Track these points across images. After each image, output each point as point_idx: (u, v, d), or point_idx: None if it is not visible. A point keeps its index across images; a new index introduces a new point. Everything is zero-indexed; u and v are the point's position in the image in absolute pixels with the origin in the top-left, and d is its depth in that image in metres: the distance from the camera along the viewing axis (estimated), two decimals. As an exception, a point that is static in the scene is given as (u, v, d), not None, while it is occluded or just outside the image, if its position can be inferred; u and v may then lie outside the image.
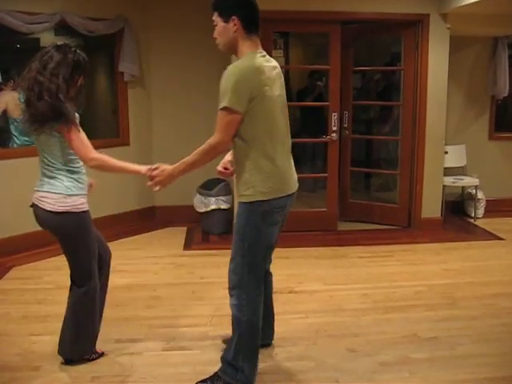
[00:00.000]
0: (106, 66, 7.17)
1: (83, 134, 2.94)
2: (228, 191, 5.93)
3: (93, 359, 3.21)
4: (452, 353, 3.33)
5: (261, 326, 2.95)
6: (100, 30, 5.67)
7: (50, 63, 2.85)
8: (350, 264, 5.01)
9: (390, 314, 3.91)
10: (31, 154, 5.40)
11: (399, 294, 4.27)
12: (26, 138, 5.62)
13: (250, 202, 2.77)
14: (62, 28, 5.72)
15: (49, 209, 2.93)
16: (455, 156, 6.66)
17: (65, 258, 5.16)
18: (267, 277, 3.21)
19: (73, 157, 2.98)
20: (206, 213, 5.89)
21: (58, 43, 2.96)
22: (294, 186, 2.94)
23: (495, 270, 4.84)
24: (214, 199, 5.84)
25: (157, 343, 3.45)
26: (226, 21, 2.74)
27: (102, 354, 3.28)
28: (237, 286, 2.92)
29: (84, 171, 3.08)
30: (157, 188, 2.98)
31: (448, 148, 6.44)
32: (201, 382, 2.98)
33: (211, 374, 2.99)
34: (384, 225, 6.24)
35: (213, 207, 5.83)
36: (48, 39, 6.66)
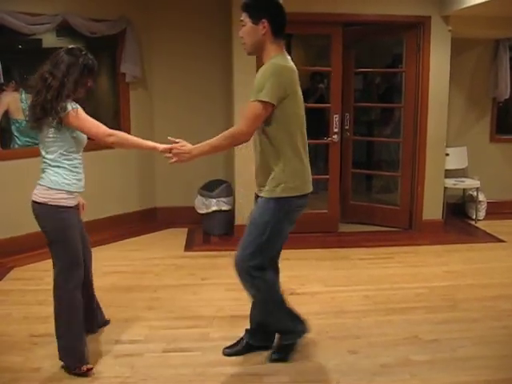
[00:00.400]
0: (107, 67, 7.16)
1: (89, 117, 3.00)
2: (229, 192, 5.94)
3: (77, 374, 3.04)
4: (453, 355, 3.33)
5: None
6: (102, 31, 5.66)
7: (59, 64, 2.94)
8: (351, 266, 5.01)
9: (390, 315, 3.90)
10: (32, 154, 5.42)
11: (400, 296, 4.27)
12: (28, 139, 5.63)
13: (279, 198, 2.92)
14: (64, 29, 5.73)
15: (33, 199, 3.03)
16: (456, 158, 6.66)
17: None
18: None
19: (65, 152, 3.01)
20: (207, 214, 5.88)
21: (70, 46, 3.05)
22: (311, 185, 3.08)
23: (496, 272, 4.83)
24: (215, 200, 5.84)
25: (157, 344, 3.45)
26: (256, 22, 2.87)
27: (87, 371, 3.06)
28: (255, 270, 3.04)
29: (78, 170, 3.10)
30: (173, 160, 3.07)
31: (449, 150, 6.44)
32: (274, 359, 3.22)
33: (277, 348, 3.28)
34: (385, 227, 6.24)
35: (214, 208, 5.83)
36: (50, 40, 6.67)
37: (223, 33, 6.00)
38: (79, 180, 3.10)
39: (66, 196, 3.02)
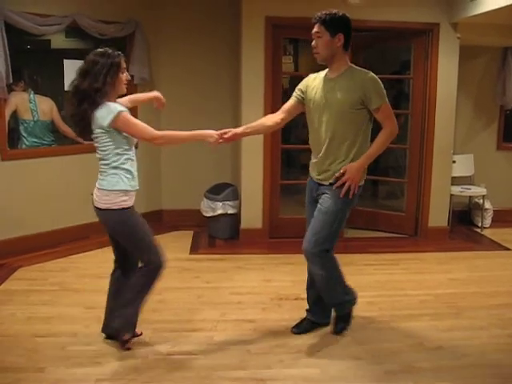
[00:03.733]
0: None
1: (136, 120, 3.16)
2: (235, 196, 5.94)
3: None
4: (457, 363, 3.31)
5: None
6: (111, 32, 5.68)
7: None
8: (356, 271, 4.99)
9: (395, 322, 3.89)
10: (40, 154, 5.49)
11: (405, 303, 4.26)
12: (35, 140, 5.65)
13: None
14: (73, 30, 5.75)
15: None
16: (463, 165, 6.64)
17: (71, 260, 5.21)
18: None
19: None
20: (213, 217, 5.89)
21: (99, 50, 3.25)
22: None
23: (501, 280, 4.82)
24: (221, 204, 5.84)
25: (161, 347, 3.45)
26: (333, 36, 3.26)
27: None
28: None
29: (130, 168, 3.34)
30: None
31: (456, 157, 6.43)
32: (339, 331, 3.64)
33: (336, 322, 3.67)
34: (390, 233, 6.23)
35: (220, 212, 5.83)
36: (59, 41, 6.71)
37: (231, 34, 6.01)
38: None
39: (127, 198, 3.48)
